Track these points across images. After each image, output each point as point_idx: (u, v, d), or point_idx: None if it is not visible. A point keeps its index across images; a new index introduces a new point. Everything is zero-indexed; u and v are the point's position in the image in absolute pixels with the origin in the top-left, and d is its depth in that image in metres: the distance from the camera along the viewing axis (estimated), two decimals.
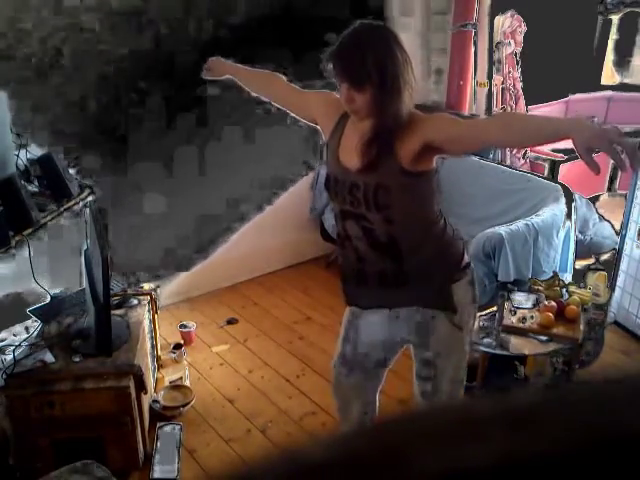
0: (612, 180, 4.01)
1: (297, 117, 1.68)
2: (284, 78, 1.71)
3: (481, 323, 2.28)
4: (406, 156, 1.35)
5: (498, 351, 2.15)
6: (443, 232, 1.49)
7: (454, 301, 1.49)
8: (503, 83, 3.32)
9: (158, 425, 2.20)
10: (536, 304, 2.33)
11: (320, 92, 1.63)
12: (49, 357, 1.98)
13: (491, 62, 3.37)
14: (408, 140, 1.34)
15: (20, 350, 1.99)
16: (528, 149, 3.39)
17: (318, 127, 1.60)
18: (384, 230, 1.42)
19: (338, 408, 1.78)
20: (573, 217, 2.78)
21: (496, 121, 1.35)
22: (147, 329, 2.33)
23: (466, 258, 1.55)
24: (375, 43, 1.33)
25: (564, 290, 2.42)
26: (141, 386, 1.99)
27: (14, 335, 2.12)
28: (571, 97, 4.35)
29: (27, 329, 2.16)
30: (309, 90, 1.68)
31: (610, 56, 4.46)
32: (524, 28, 3.33)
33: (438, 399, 1.62)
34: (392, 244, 1.44)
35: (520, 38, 3.32)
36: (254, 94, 1.77)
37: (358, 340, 1.64)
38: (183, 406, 2.32)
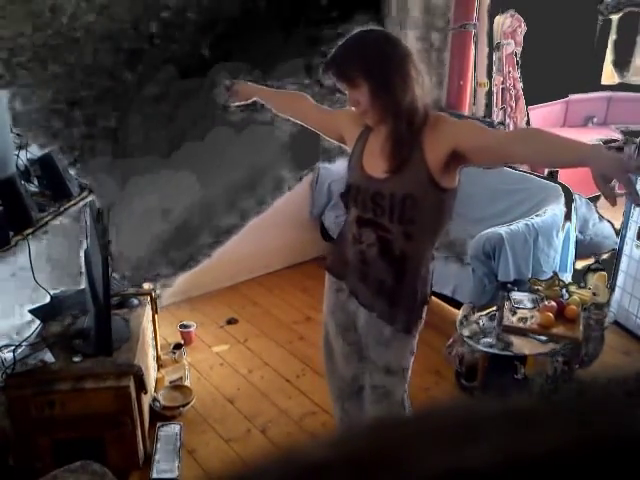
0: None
1: (325, 136, 1.68)
2: (310, 98, 1.71)
3: (481, 323, 2.28)
4: (434, 162, 1.35)
5: (498, 351, 2.15)
6: (429, 264, 1.51)
7: (418, 324, 1.54)
8: (503, 83, 3.32)
9: (158, 425, 2.20)
10: (536, 304, 2.33)
11: (343, 109, 1.65)
12: (49, 357, 1.97)
13: (491, 62, 3.37)
14: (437, 143, 1.34)
15: (20, 350, 1.99)
16: None
17: (345, 145, 1.60)
18: (400, 245, 1.43)
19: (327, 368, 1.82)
20: (573, 217, 2.78)
21: (522, 137, 1.32)
22: (147, 329, 2.33)
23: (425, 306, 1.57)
24: (363, 42, 1.36)
25: (564, 290, 2.42)
26: (141, 386, 1.99)
27: (14, 335, 2.12)
28: (571, 97, 4.35)
29: (27, 329, 2.15)
30: (335, 109, 1.70)
31: (610, 56, 4.46)
32: (524, 28, 3.33)
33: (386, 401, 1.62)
34: (402, 261, 1.45)
35: (520, 38, 3.32)
36: (280, 114, 1.76)
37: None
38: (183, 406, 2.32)
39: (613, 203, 1.10)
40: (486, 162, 1.45)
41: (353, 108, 1.41)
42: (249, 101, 1.79)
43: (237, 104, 1.82)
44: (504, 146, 1.32)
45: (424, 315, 1.56)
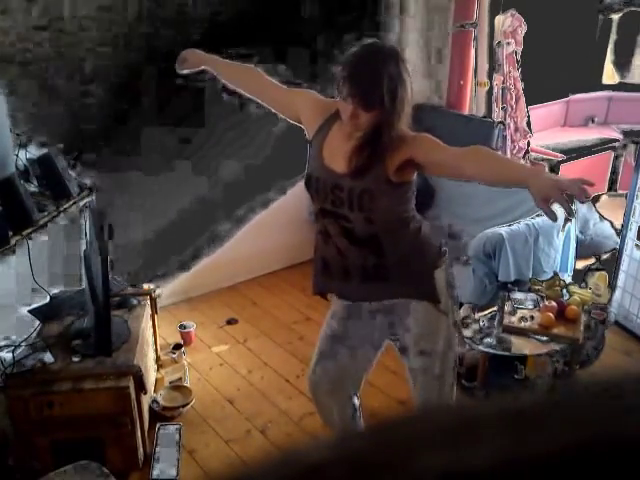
0: (613, 180, 4.01)
1: (278, 114, 1.66)
2: (264, 74, 1.68)
3: (481, 323, 2.28)
4: (392, 168, 1.41)
5: (498, 351, 2.15)
6: (419, 229, 1.53)
7: (437, 289, 1.54)
8: (503, 83, 3.31)
9: (158, 425, 2.20)
10: (537, 304, 2.33)
11: (305, 91, 1.63)
12: (48, 357, 1.97)
13: (491, 62, 3.36)
14: (397, 154, 1.41)
15: (19, 350, 1.99)
16: (529, 148, 3.38)
17: (300, 125, 1.60)
18: (364, 229, 1.46)
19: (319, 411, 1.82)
20: (574, 217, 2.78)
21: (473, 156, 1.38)
22: (147, 329, 2.33)
23: (443, 248, 1.59)
24: (389, 67, 1.36)
25: (565, 290, 2.42)
26: (141, 386, 1.98)
27: (14, 335, 2.12)
28: (571, 97, 4.34)
29: (27, 329, 2.15)
30: (293, 88, 1.67)
31: (610, 56, 4.46)
32: (524, 27, 3.32)
33: (435, 389, 1.63)
34: (372, 240, 1.48)
35: (520, 38, 3.31)
36: (231, 87, 1.72)
37: (346, 335, 1.66)
38: (183, 406, 2.31)
39: (554, 219, 1.24)
40: (439, 174, 1.53)
41: (348, 118, 1.38)
42: (198, 69, 1.76)
43: (186, 72, 1.78)
44: (457, 163, 1.38)
45: (447, 285, 1.55)
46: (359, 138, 1.42)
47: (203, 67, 1.75)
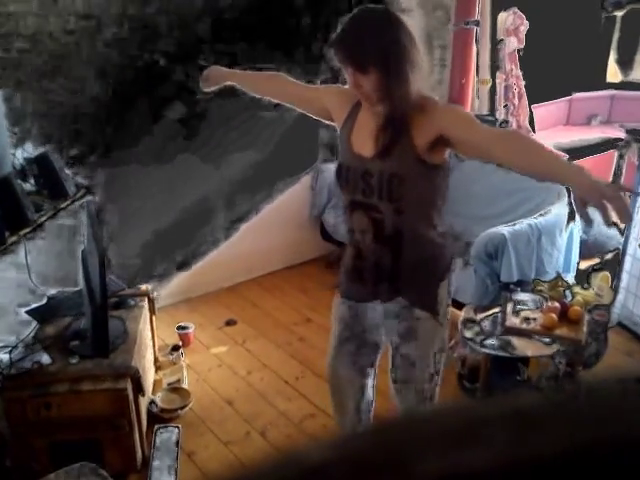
0: (616, 179, 3.97)
1: (308, 114, 1.66)
2: (288, 77, 1.69)
3: (483, 324, 2.26)
4: (421, 143, 1.35)
5: (501, 352, 2.13)
6: (440, 236, 1.51)
7: (438, 301, 1.52)
8: (506, 81, 3.29)
9: (156, 427, 2.18)
10: (539, 305, 2.30)
11: (330, 86, 1.64)
12: (46, 359, 1.96)
13: (493, 60, 3.34)
14: (425, 127, 1.34)
15: (16, 351, 1.97)
16: None
17: (329, 122, 1.59)
18: (392, 221, 1.43)
19: (334, 405, 1.79)
20: (577, 217, 2.75)
21: (508, 142, 1.29)
22: (145, 330, 2.31)
23: (453, 260, 1.58)
24: (376, 26, 1.32)
25: (567, 291, 2.39)
26: (139, 388, 1.97)
27: (11, 336, 2.10)
28: (574, 95, 4.32)
29: (24, 330, 2.13)
30: (319, 86, 1.69)
31: (614, 54, 4.43)
32: (526, 25, 3.29)
33: (416, 398, 1.61)
34: (396, 237, 1.45)
35: (522, 35, 3.29)
36: (257, 95, 1.74)
37: (356, 323, 1.64)
38: (181, 408, 2.30)
39: (589, 223, 1.14)
40: (468, 154, 1.44)
41: (352, 88, 1.37)
42: (221, 85, 1.77)
43: (210, 89, 1.80)
44: (489, 145, 1.31)
45: (447, 296, 1.54)
46: (379, 114, 1.38)
47: (228, 82, 1.77)
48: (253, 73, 1.77)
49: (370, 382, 1.76)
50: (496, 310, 2.31)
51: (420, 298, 1.52)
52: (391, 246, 1.46)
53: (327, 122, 1.62)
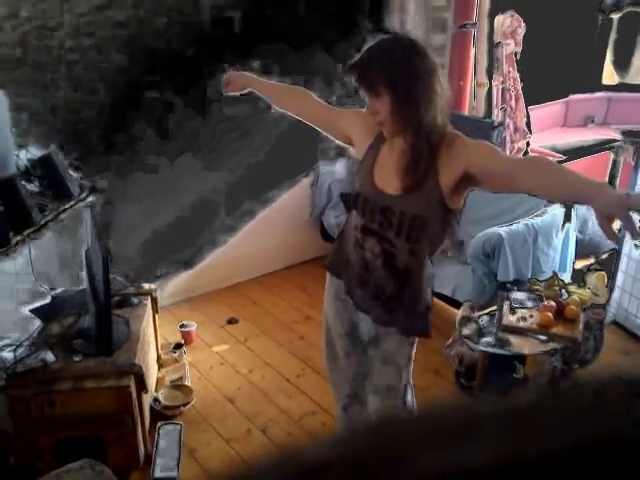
0: (612, 179, 4.01)
1: (329, 136, 1.63)
2: (312, 94, 1.65)
3: (481, 323, 2.29)
4: (447, 183, 1.34)
5: (497, 350, 2.16)
6: (431, 274, 1.52)
7: (424, 328, 1.55)
8: (503, 83, 3.32)
9: (159, 425, 2.20)
10: (535, 304, 2.33)
11: (356, 111, 1.58)
12: (50, 357, 1.98)
13: (491, 62, 3.37)
14: (451, 163, 1.33)
15: (21, 350, 1.99)
16: (528, 147, 3.39)
17: (348, 145, 1.57)
18: (405, 260, 1.43)
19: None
20: (572, 217, 2.78)
21: (532, 168, 1.26)
22: (148, 329, 2.33)
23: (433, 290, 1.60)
24: (388, 49, 1.33)
25: (563, 290, 2.42)
26: (142, 386, 1.99)
27: (15, 334, 2.12)
28: (571, 97, 4.35)
29: (28, 329, 2.16)
30: (343, 109, 1.64)
31: (610, 56, 4.46)
32: (524, 28, 3.32)
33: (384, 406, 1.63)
34: (405, 274, 1.45)
35: (520, 38, 3.32)
36: (279, 109, 1.69)
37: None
38: (183, 405, 2.32)
39: (615, 240, 1.12)
40: (495, 186, 1.42)
41: (369, 115, 1.37)
42: (244, 91, 1.72)
43: (231, 94, 1.74)
44: (513, 172, 1.29)
45: (429, 324, 1.56)
46: (403, 150, 1.36)
47: (249, 89, 1.72)
48: (276, 84, 1.73)
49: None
50: (493, 309, 2.34)
51: (411, 329, 1.54)
52: (397, 279, 1.46)
53: (340, 142, 1.59)
